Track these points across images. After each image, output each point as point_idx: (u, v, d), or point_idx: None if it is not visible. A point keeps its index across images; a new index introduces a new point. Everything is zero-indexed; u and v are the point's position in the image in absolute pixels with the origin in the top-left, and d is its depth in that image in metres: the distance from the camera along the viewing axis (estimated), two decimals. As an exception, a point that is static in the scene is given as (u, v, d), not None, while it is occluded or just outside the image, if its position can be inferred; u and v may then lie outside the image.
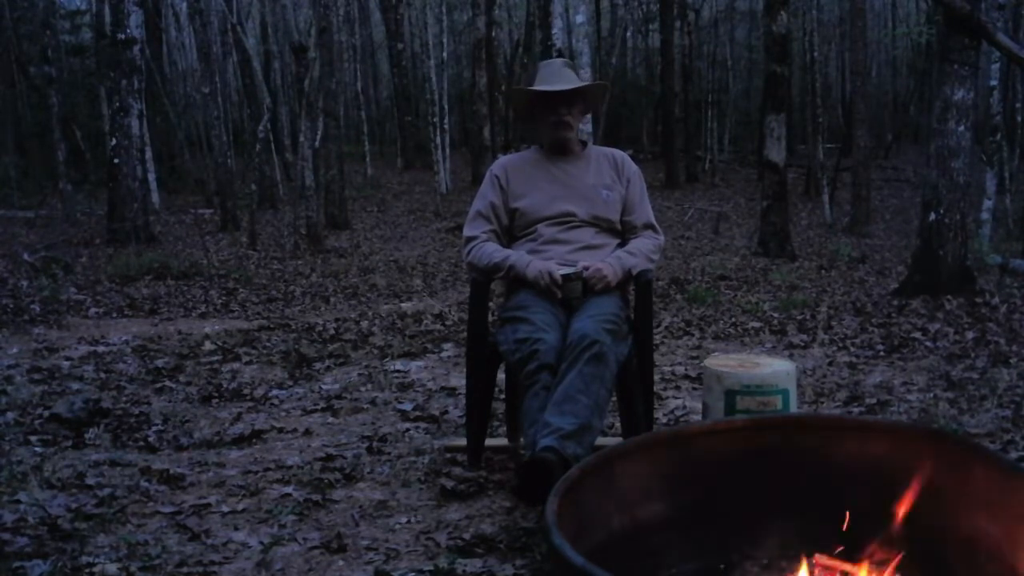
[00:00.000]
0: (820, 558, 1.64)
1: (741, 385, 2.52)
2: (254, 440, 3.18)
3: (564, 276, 2.65)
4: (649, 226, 2.90)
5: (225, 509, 2.50)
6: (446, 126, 19.99)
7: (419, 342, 5.14)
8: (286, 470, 2.84)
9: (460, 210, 14.83)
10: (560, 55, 7.73)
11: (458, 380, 4.00)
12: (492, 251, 2.78)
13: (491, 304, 3.46)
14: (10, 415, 3.41)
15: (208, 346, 4.94)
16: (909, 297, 6.47)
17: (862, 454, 1.82)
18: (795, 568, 1.68)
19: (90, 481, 2.68)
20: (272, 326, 5.71)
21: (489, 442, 2.95)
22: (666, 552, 1.80)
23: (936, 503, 1.69)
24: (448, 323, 5.86)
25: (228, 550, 2.23)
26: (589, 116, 7.35)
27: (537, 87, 2.83)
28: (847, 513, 1.71)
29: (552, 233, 2.79)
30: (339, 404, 3.71)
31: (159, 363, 4.46)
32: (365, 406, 3.69)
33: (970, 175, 6.75)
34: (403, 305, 6.89)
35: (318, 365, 4.50)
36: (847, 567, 1.62)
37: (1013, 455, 2.89)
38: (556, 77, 2.82)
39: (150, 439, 3.16)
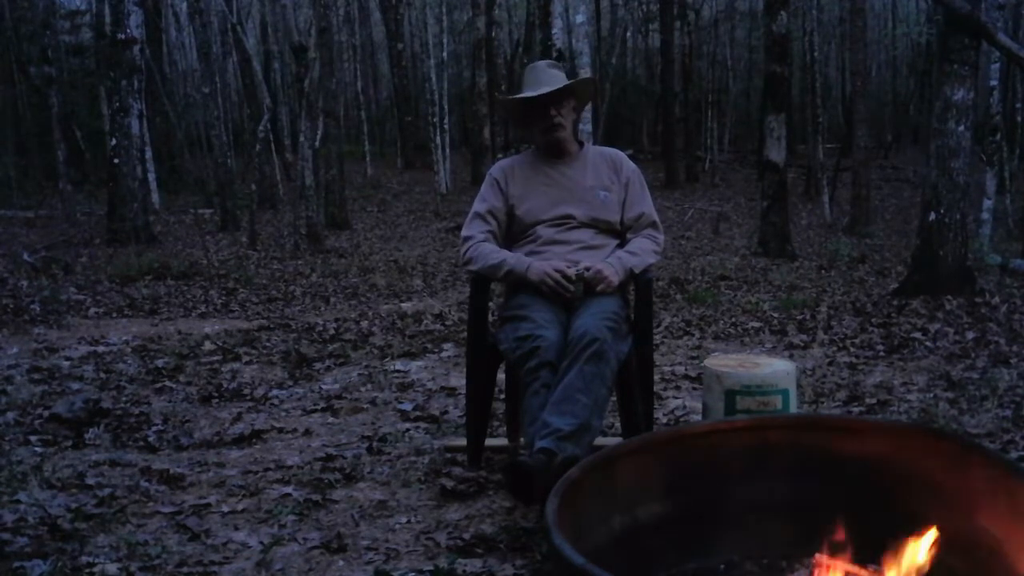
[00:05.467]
0: (820, 558, 1.64)
1: (741, 385, 2.52)
2: (254, 440, 3.18)
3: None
4: (651, 224, 2.89)
5: (225, 509, 2.50)
6: (446, 126, 20.00)
7: (419, 342, 5.14)
8: (286, 470, 2.84)
9: (460, 210, 14.83)
10: (560, 55, 7.73)
11: (458, 380, 3.99)
12: (488, 252, 2.77)
13: (491, 304, 3.46)
14: (10, 415, 3.41)
15: (208, 346, 4.94)
16: (909, 297, 6.47)
17: (862, 454, 1.82)
18: (796, 568, 1.68)
19: (90, 481, 2.68)
20: (272, 326, 5.71)
21: (489, 442, 2.95)
22: (666, 552, 1.80)
23: (936, 503, 1.69)
24: (448, 323, 5.86)
25: (228, 550, 2.23)
26: (589, 116, 7.37)
27: (522, 94, 2.82)
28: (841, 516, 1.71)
29: (551, 234, 2.79)
30: (339, 404, 3.71)
31: (159, 363, 4.46)
32: (365, 406, 3.69)
33: (970, 175, 6.75)
34: (403, 305, 6.89)
35: (318, 365, 4.50)
36: (848, 567, 1.62)
37: (1013, 455, 2.89)
38: (542, 80, 2.80)
39: (150, 439, 3.16)
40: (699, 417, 2.93)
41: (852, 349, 4.78)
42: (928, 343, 4.83)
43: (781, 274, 8.41)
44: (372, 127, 25.85)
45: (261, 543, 2.25)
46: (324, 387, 4.02)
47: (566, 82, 2.81)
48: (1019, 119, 14.86)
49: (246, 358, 4.66)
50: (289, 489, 2.64)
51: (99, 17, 15.84)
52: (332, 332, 5.48)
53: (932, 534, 1.57)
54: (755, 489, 1.85)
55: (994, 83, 10.59)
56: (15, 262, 8.57)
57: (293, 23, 13.59)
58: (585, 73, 7.63)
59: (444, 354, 4.81)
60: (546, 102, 2.78)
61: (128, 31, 10.47)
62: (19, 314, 5.97)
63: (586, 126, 7.32)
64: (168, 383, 4.05)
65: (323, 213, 12.42)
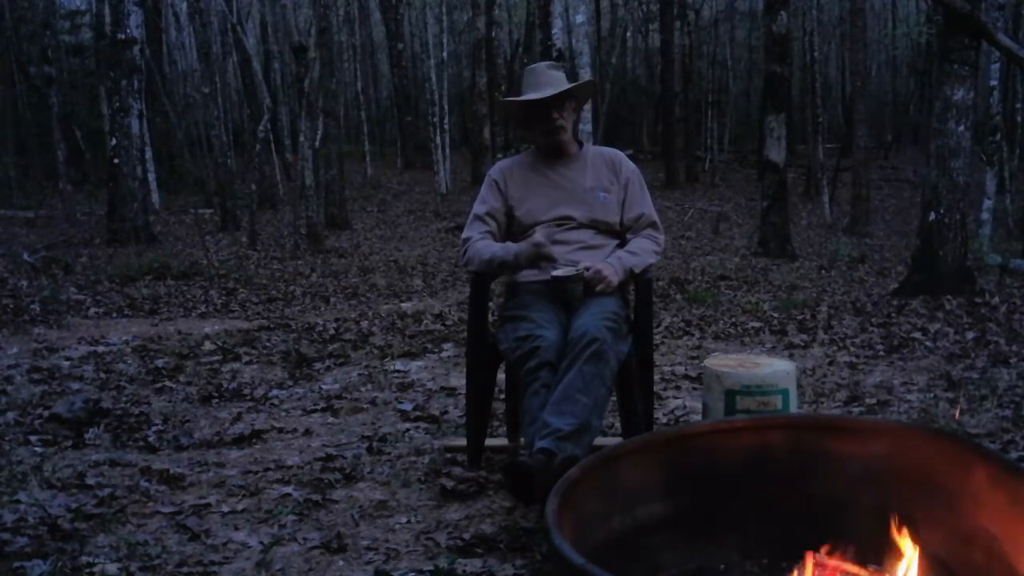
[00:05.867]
0: (820, 558, 1.64)
1: (741, 385, 2.52)
2: (254, 440, 3.18)
3: (565, 277, 2.64)
4: (650, 224, 2.89)
5: (225, 509, 2.50)
6: (446, 126, 19.99)
7: (419, 342, 5.14)
8: (286, 470, 2.84)
9: (460, 210, 14.84)
10: (560, 55, 7.73)
11: (458, 380, 3.99)
12: (482, 248, 2.78)
13: (491, 304, 3.46)
14: (10, 415, 3.41)
15: (208, 346, 4.94)
16: (909, 297, 6.47)
17: (862, 454, 1.82)
18: (795, 568, 1.68)
19: (90, 481, 2.68)
20: (272, 326, 5.71)
21: (489, 442, 2.95)
22: (666, 552, 1.80)
23: (936, 503, 1.69)
24: (448, 323, 5.86)
25: (228, 550, 2.23)
26: (589, 116, 7.37)
27: (524, 96, 2.81)
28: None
29: (551, 234, 2.79)
30: (339, 404, 3.71)
31: (159, 363, 4.46)
32: (365, 406, 3.69)
33: (970, 175, 6.75)
34: (403, 305, 6.89)
35: (318, 365, 4.50)
36: (848, 567, 1.62)
37: (1013, 455, 2.89)
38: (543, 82, 2.79)
39: (150, 439, 3.16)
40: (699, 417, 2.93)
41: (852, 349, 4.77)
42: (928, 343, 4.83)
43: (781, 274, 8.41)
44: (372, 127, 25.84)
45: (261, 543, 2.25)
46: (324, 387, 4.02)
47: (567, 84, 2.81)
48: (1019, 119, 14.86)
49: (246, 358, 4.66)
50: (289, 489, 2.64)
51: (99, 17, 15.84)
52: (332, 332, 5.48)
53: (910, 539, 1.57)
54: (755, 489, 1.85)
55: (994, 83, 10.59)
56: (15, 262, 8.57)
57: (293, 23, 13.58)
58: (585, 73, 7.63)
59: (444, 354, 4.81)
60: (548, 104, 2.78)
61: (128, 31, 10.47)
62: (19, 314, 5.96)
63: (586, 126, 7.32)
64: (168, 383, 4.05)
65: (323, 213, 12.41)
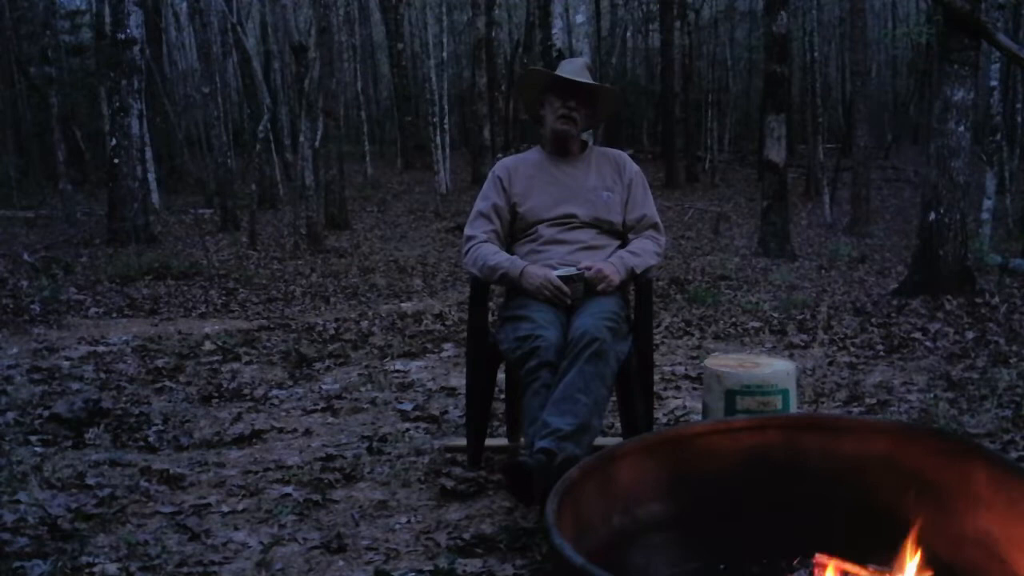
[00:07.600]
0: (820, 558, 1.64)
1: (741, 385, 2.52)
2: (254, 440, 3.18)
3: (565, 277, 2.64)
4: (652, 225, 2.89)
5: (225, 509, 2.50)
6: (446, 126, 19.99)
7: (419, 342, 5.14)
8: (286, 470, 2.84)
9: (460, 210, 14.84)
10: (560, 55, 7.73)
11: (458, 380, 3.99)
12: (487, 253, 2.76)
13: (491, 304, 3.46)
14: (10, 415, 3.41)
15: (208, 346, 4.94)
16: (909, 297, 6.47)
17: (862, 454, 1.82)
18: (796, 568, 1.68)
19: (90, 481, 2.68)
20: (272, 326, 5.71)
21: (489, 442, 2.95)
22: (666, 552, 1.80)
23: (936, 503, 1.69)
24: (448, 323, 5.86)
25: (228, 550, 2.23)
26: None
27: (559, 72, 2.84)
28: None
29: (552, 234, 2.79)
30: (339, 404, 3.71)
31: (159, 363, 4.46)
32: (365, 406, 3.69)
33: (970, 175, 6.75)
34: (403, 305, 6.89)
35: (318, 365, 4.50)
36: (848, 567, 1.62)
37: (1013, 455, 2.89)
38: (577, 73, 2.83)
39: (150, 439, 3.15)
40: (699, 417, 2.93)
41: (852, 349, 4.77)
42: (928, 343, 4.83)
43: (781, 274, 8.41)
44: (372, 127, 25.83)
45: (261, 543, 2.25)
46: (324, 387, 4.02)
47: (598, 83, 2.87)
48: (1019, 119, 14.86)
49: (246, 358, 4.66)
50: (289, 489, 2.64)
51: (99, 17, 15.84)
52: (332, 332, 5.48)
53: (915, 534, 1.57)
54: (755, 489, 1.85)
55: (994, 83, 10.60)
56: (15, 262, 8.57)
57: (293, 23, 13.58)
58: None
59: (444, 354, 4.80)
60: (572, 92, 2.80)
61: (128, 31, 10.47)
62: (19, 314, 5.96)
63: (586, 126, 7.30)
64: (168, 383, 4.05)
65: (323, 213, 12.41)
